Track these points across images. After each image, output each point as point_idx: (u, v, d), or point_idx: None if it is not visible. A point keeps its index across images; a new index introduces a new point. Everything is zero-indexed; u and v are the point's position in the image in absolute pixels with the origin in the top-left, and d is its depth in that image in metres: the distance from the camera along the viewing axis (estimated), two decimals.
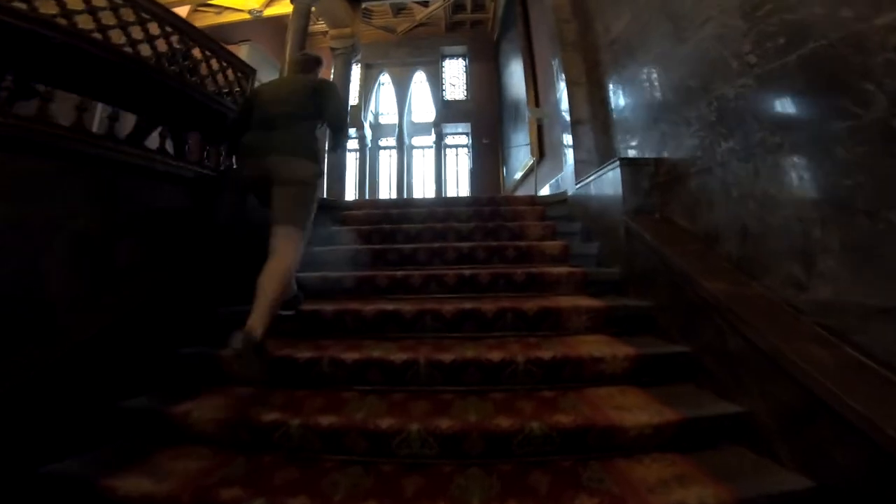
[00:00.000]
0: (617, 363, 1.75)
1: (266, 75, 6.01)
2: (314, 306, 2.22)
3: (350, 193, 9.51)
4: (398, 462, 1.39)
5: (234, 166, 2.61)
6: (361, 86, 10.53)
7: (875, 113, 1.21)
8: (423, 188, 10.93)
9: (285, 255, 1.81)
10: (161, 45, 2.36)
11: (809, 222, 1.43)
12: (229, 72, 2.91)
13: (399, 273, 2.58)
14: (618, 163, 2.47)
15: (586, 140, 3.43)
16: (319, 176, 2.08)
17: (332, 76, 6.16)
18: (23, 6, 1.68)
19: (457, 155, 11.14)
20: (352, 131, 9.84)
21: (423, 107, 11.20)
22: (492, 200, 4.05)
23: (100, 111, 3.40)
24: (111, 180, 1.94)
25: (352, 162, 9.97)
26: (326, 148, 3.85)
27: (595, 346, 1.86)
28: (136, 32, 2.21)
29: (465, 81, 11.16)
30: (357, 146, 10.60)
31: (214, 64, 2.78)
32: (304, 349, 1.88)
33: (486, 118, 10.54)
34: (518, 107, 8.22)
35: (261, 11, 7.94)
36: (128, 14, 2.17)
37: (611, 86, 3.12)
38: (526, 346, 1.89)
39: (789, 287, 1.51)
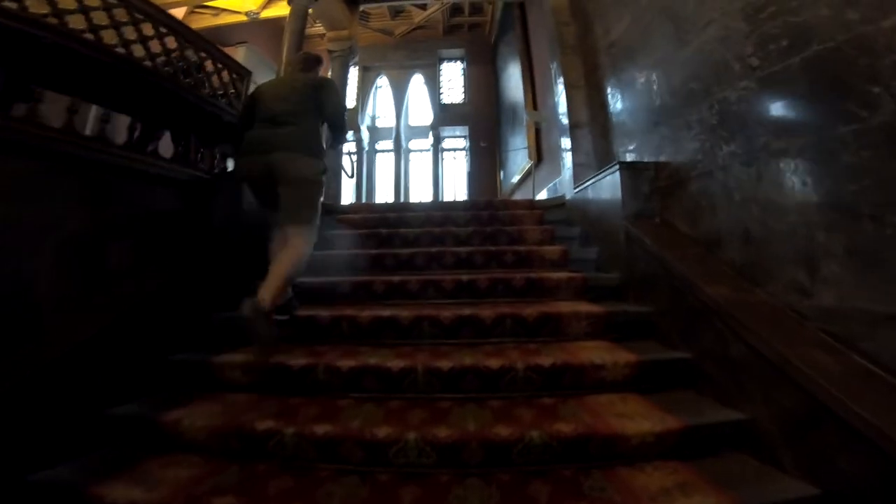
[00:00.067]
0: (618, 370, 1.73)
1: (262, 77, 5.97)
2: (310, 312, 2.19)
3: (347, 197, 9.47)
4: (395, 471, 1.36)
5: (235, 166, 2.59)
6: (359, 88, 10.50)
7: (882, 116, 1.19)
8: (420, 192, 10.91)
9: (299, 244, 1.96)
10: (155, 47, 2.34)
11: (813, 227, 1.42)
12: (224, 73, 2.88)
13: (396, 278, 2.55)
14: (617, 166, 2.45)
15: (585, 143, 3.42)
16: (324, 172, 2.10)
17: None
18: (12, 5, 1.65)
19: (454, 158, 11.15)
20: (349, 134, 9.82)
21: (420, 110, 11.20)
22: (490, 204, 4.01)
23: (94, 113, 3.37)
24: (103, 182, 1.92)
25: (348, 165, 9.92)
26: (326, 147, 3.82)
27: (595, 353, 1.84)
28: (130, 33, 2.18)
29: (462, 84, 11.17)
30: (354, 149, 10.57)
31: (209, 65, 2.75)
32: (299, 355, 1.85)
33: (483, 121, 10.55)
34: (516, 110, 8.24)
35: (258, 13, 7.94)
36: (121, 14, 2.14)
37: (610, 89, 3.10)
38: (525, 353, 1.86)
39: (793, 292, 1.49)
